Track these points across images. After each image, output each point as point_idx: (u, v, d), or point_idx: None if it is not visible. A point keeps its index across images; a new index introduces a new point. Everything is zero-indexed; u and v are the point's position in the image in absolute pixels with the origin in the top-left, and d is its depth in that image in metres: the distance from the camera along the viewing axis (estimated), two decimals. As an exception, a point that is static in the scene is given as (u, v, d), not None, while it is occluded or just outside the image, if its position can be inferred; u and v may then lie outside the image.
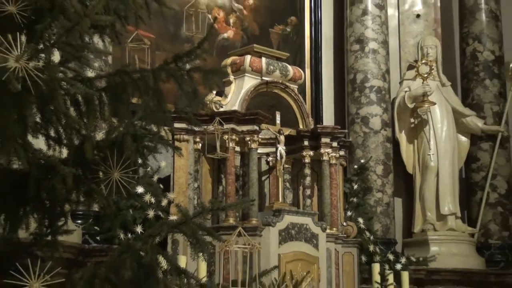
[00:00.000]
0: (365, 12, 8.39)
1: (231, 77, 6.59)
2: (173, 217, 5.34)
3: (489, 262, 8.23)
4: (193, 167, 6.25)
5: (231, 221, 5.98)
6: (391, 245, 7.92)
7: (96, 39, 3.27)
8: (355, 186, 7.76)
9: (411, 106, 8.23)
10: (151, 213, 6.00)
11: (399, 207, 8.48)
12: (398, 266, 7.36)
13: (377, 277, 6.54)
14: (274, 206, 6.35)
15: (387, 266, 7.13)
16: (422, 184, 8.26)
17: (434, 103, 8.15)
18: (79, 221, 5.91)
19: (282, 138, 6.54)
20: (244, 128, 6.23)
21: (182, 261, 5.28)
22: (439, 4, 9.03)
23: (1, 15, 3.03)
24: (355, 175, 7.85)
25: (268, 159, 6.87)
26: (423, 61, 8.39)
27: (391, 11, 8.80)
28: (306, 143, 6.77)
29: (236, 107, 6.34)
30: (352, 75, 8.34)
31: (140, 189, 5.88)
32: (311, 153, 6.78)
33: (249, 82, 6.57)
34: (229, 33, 8.03)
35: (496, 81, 8.72)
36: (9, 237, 3.23)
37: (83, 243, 5.85)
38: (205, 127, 6.13)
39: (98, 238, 6.00)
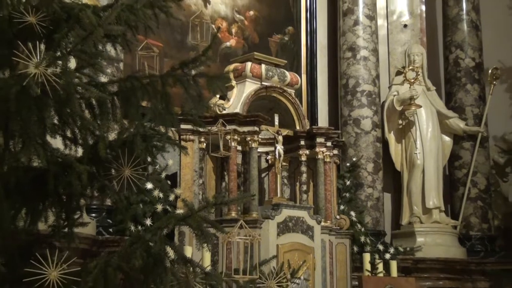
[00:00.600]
0: (356, 23, 8.39)
1: (233, 82, 6.58)
2: (179, 211, 5.34)
3: (470, 252, 8.24)
4: (198, 165, 6.25)
5: (233, 214, 5.98)
6: (381, 236, 7.92)
7: (109, 47, 3.27)
8: (348, 182, 7.77)
9: (399, 108, 8.24)
10: (159, 207, 6.00)
11: (388, 201, 8.49)
12: (387, 256, 7.37)
13: (367, 266, 6.55)
14: (273, 200, 6.35)
15: (377, 256, 7.13)
16: (409, 180, 8.26)
17: (420, 106, 8.16)
18: (93, 214, 5.91)
19: (280, 138, 6.54)
20: (245, 129, 6.23)
21: (188, 251, 5.29)
22: (424, 15, 9.03)
23: (22, 25, 3.04)
24: (347, 172, 7.85)
25: (268, 158, 6.87)
26: (410, 68, 8.41)
27: (381, 22, 8.80)
28: (302, 142, 6.78)
29: (238, 110, 6.34)
30: (345, 80, 8.34)
31: (149, 185, 5.88)
32: (307, 152, 6.78)
33: (250, 87, 6.57)
34: (231, 42, 8.03)
35: (476, 85, 8.73)
36: (30, 229, 3.23)
37: (97, 234, 5.86)
38: (209, 128, 6.13)
39: (110, 230, 6.01)
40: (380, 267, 6.64)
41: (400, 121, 8.33)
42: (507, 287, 7.87)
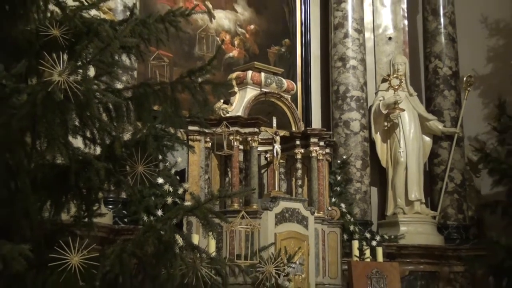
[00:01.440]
0: (346, 36, 8.38)
1: (236, 89, 6.59)
2: (187, 203, 5.33)
3: (447, 239, 8.23)
4: (204, 162, 6.25)
5: (236, 206, 5.98)
6: (368, 225, 7.91)
7: (124, 57, 3.27)
8: (338, 178, 7.76)
9: (384, 112, 8.23)
10: (169, 200, 6.01)
11: (375, 194, 8.47)
12: (374, 243, 7.38)
13: (356, 252, 6.55)
14: (271, 194, 6.35)
15: (364, 243, 7.12)
16: (393, 176, 8.25)
17: (403, 110, 8.15)
18: (110, 206, 5.91)
19: (278, 138, 6.55)
20: (247, 130, 6.23)
21: (195, 239, 5.29)
22: (407, 29, 9.01)
23: (47, 38, 3.04)
24: (338, 169, 7.84)
25: (266, 156, 6.86)
26: (394, 76, 8.40)
27: (368, 35, 8.78)
28: (297, 142, 6.78)
29: (240, 113, 6.34)
30: (336, 87, 8.33)
31: (160, 180, 5.86)
32: (302, 150, 6.79)
33: (251, 92, 6.57)
34: (234, 53, 8.02)
35: (453, 91, 8.72)
36: (54, 219, 3.23)
37: (114, 224, 5.85)
38: (214, 129, 6.13)
39: (126, 220, 6.00)
40: (367, 253, 6.63)
41: (385, 123, 8.32)
42: (480, 271, 7.87)
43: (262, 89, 6.66)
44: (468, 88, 8.66)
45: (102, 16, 3.85)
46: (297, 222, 6.25)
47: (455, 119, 8.61)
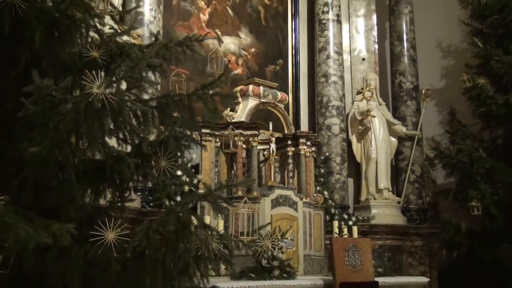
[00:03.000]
0: (328, 57, 8.37)
1: (240, 99, 6.58)
2: (201, 191, 5.35)
3: (409, 220, 8.22)
4: (214, 158, 6.25)
5: (240, 193, 5.97)
6: (346, 209, 7.91)
7: (150, 74, 3.27)
8: (322, 171, 7.76)
9: (359, 118, 8.23)
10: (186, 188, 6.00)
11: (351, 184, 8.46)
12: (350, 222, 7.37)
13: (336, 230, 6.54)
14: (268, 183, 6.35)
15: (343, 223, 7.12)
16: (366, 169, 8.25)
17: (374, 116, 8.15)
18: (139, 193, 5.91)
19: (273, 139, 6.53)
20: (248, 132, 6.23)
21: (207, 220, 5.29)
22: (377, 51, 9.00)
23: (88, 58, 3.04)
24: (322, 163, 7.84)
25: (264, 153, 6.86)
26: (367, 89, 8.40)
27: (345, 56, 8.77)
28: (289, 142, 6.77)
29: (243, 119, 6.34)
30: (320, 98, 8.32)
31: (179, 172, 5.86)
32: (293, 149, 6.78)
33: (252, 102, 6.57)
34: (238, 71, 8.02)
35: (414, 102, 8.71)
36: (93, 203, 3.23)
37: (141, 207, 5.85)
38: (222, 131, 6.14)
39: (151, 204, 5.99)
40: (345, 231, 6.63)
41: (360, 127, 8.32)
42: (435, 245, 7.87)
43: (261, 100, 6.65)
44: (426, 99, 8.65)
45: (132, 41, 3.83)
46: (289, 206, 6.25)
47: (416, 124, 8.60)
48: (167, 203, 5.81)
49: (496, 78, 7.41)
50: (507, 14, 7.44)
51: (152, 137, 3.19)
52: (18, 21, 2.89)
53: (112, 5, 3.37)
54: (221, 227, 5.45)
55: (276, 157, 6.70)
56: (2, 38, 2.96)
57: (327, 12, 8.53)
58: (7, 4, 2.80)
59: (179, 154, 3.22)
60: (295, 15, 8.91)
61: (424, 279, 6.99)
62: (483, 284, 6.94)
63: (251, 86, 6.62)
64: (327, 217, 7.22)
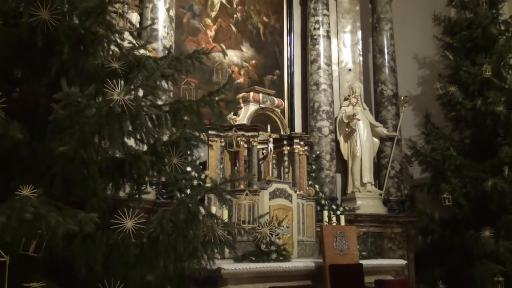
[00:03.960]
0: (319, 68, 8.36)
1: (242, 105, 6.57)
2: (208, 185, 5.34)
3: (390, 210, 8.19)
4: (220, 156, 6.24)
5: (242, 187, 5.97)
6: (334, 200, 7.90)
7: (163, 82, 3.27)
8: (313, 167, 7.75)
9: (346, 121, 8.22)
10: (195, 182, 5.98)
11: (339, 179, 8.45)
12: (338, 212, 7.35)
13: (326, 219, 6.54)
14: (267, 178, 6.35)
15: (331, 212, 7.12)
16: (352, 166, 8.24)
17: (359, 119, 8.14)
18: (154, 186, 5.89)
19: (271, 139, 6.53)
20: (249, 133, 6.22)
21: (213, 210, 5.29)
22: (361, 63, 8.97)
23: (109, 69, 3.04)
24: (313, 161, 7.83)
25: (263, 152, 6.86)
26: (353, 96, 8.39)
27: (334, 67, 8.75)
28: (285, 142, 6.76)
29: (244, 122, 6.33)
30: (312, 104, 8.31)
31: (188, 168, 5.82)
32: (288, 148, 6.77)
33: (252, 107, 6.56)
34: (240, 80, 8.01)
35: (394, 107, 8.69)
36: (114, 195, 3.23)
37: (156, 199, 5.84)
38: (227, 133, 6.13)
39: (164, 196, 5.98)
40: (334, 219, 6.62)
41: (346, 129, 8.31)
42: (412, 231, 7.86)
43: (260, 105, 6.65)
44: (404, 105, 8.64)
45: (148, 54, 3.83)
46: (284, 198, 6.24)
47: (395, 126, 8.59)
48: (178, 195, 5.80)
49: (464, 86, 7.43)
50: (474, 30, 7.47)
51: (165, 138, 3.20)
52: (49, 37, 2.91)
53: (130, 22, 3.37)
54: (225, 216, 5.44)
55: (273, 155, 6.71)
56: (36, 52, 2.97)
57: (318, 28, 8.52)
58: (40, 22, 2.82)
59: (189, 152, 3.23)
60: (290, 31, 8.90)
61: (402, 262, 7.01)
62: (453, 265, 6.96)
63: (251, 93, 6.62)
64: (318, 208, 7.22)
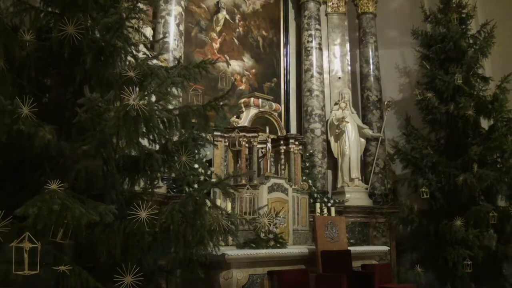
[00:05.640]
0: (312, 76, 8.35)
1: (243, 109, 6.57)
2: (213, 180, 5.34)
3: (375, 202, 8.18)
4: (224, 155, 6.24)
5: (243, 182, 5.97)
6: (325, 194, 7.88)
7: (174, 89, 3.27)
8: (307, 164, 7.73)
9: (336, 123, 8.21)
10: (202, 178, 5.97)
11: (330, 174, 8.44)
12: (329, 204, 7.35)
13: (318, 210, 6.55)
14: (265, 174, 6.34)
15: (323, 204, 7.12)
16: (341, 163, 8.23)
17: (348, 122, 8.13)
18: (165, 181, 5.88)
19: (269, 140, 6.53)
20: (250, 134, 6.22)
21: (218, 202, 5.29)
22: (350, 72, 8.96)
23: (126, 77, 3.04)
24: (307, 159, 7.82)
25: (262, 151, 6.85)
26: (342, 101, 8.39)
27: (325, 75, 8.74)
28: (281, 142, 6.76)
29: (246, 124, 6.33)
30: (306, 108, 8.31)
31: (196, 165, 5.83)
32: (284, 147, 6.77)
33: (253, 111, 6.56)
34: (242, 87, 8.01)
35: (378, 111, 8.68)
36: (130, 189, 3.24)
37: (167, 193, 5.82)
38: (230, 134, 6.13)
39: (174, 190, 5.96)
40: (325, 211, 6.63)
41: (336, 130, 8.30)
42: (394, 221, 7.80)
43: (260, 109, 6.64)
44: (388, 109, 8.64)
45: (160, 64, 3.84)
46: (281, 192, 6.25)
47: (380, 128, 8.58)
48: (187, 189, 5.76)
49: (439, 92, 7.46)
50: (446, 43, 7.54)
51: (175, 138, 3.20)
52: (74, 49, 2.92)
53: (145, 36, 3.38)
54: (229, 208, 5.45)
55: (271, 153, 6.71)
56: (63, 62, 2.98)
57: (311, 41, 8.52)
58: (67, 36, 2.85)
59: (196, 151, 3.24)
60: (286, 44, 8.90)
61: (385, 248, 7.02)
62: (429, 250, 7.00)
63: (252, 99, 6.61)
64: (311, 200, 7.21)
